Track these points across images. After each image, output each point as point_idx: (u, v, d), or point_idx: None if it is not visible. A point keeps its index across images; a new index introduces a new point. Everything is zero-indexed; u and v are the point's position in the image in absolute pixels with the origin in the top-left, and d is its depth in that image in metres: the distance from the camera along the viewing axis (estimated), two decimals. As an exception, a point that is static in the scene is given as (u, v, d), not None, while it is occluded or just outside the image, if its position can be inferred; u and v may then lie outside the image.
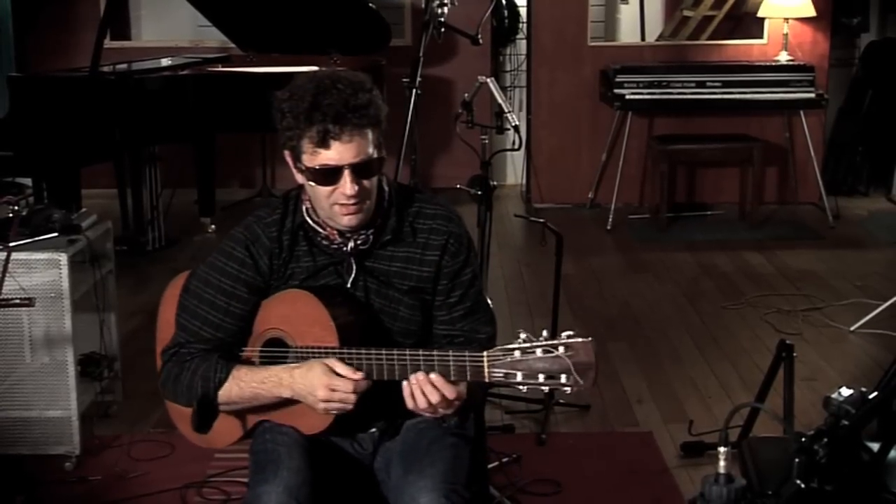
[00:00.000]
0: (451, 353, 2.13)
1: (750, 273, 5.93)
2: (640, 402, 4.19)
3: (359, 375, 2.17)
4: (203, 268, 2.34)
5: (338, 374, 2.18)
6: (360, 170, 2.19)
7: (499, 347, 2.09)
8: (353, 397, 2.17)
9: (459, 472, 2.26)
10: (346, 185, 2.18)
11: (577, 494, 3.46)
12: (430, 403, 2.13)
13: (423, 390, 2.12)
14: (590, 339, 2.04)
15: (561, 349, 2.03)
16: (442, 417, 2.21)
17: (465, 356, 2.11)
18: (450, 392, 2.12)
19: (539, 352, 2.04)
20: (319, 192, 2.22)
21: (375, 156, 2.21)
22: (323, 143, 2.16)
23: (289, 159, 2.28)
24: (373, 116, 2.18)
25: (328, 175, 2.19)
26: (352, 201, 2.20)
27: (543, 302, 5.13)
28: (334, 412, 2.21)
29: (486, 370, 2.08)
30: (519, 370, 2.05)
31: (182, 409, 2.41)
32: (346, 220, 2.23)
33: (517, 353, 2.06)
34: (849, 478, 2.03)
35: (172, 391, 2.34)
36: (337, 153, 2.17)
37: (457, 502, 2.18)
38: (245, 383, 2.27)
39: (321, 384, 2.17)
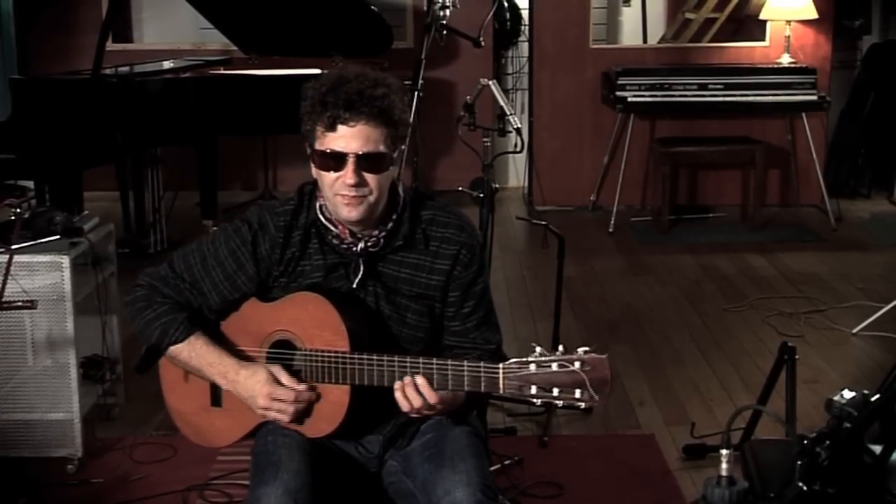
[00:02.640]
0: (465, 363, 2.15)
1: (752, 275, 5.93)
2: (641, 404, 4.18)
3: (302, 387, 2.23)
4: (219, 228, 2.41)
5: (280, 384, 2.23)
6: (365, 161, 2.21)
7: (514, 360, 2.10)
8: (291, 408, 2.23)
9: (487, 469, 2.30)
10: (348, 173, 2.21)
11: (579, 497, 3.45)
12: (412, 406, 2.17)
13: (407, 393, 2.17)
14: (605, 355, 2.06)
15: (577, 364, 2.05)
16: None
17: (479, 366, 2.13)
18: (431, 397, 2.16)
19: (555, 366, 2.06)
20: (324, 180, 2.25)
21: (383, 151, 2.23)
22: (332, 127, 2.21)
23: (307, 149, 2.31)
24: (385, 111, 2.21)
25: (332, 160, 2.22)
26: (352, 192, 2.21)
27: (545, 304, 5.13)
28: (271, 420, 2.26)
29: (501, 382, 2.10)
30: (534, 383, 2.07)
31: (181, 409, 2.43)
32: (346, 212, 2.24)
33: (533, 367, 2.07)
34: (851, 480, 2.03)
35: (131, 318, 2.38)
36: (343, 139, 2.21)
37: (490, 496, 2.22)
38: (197, 355, 2.31)
39: (262, 393, 2.23)
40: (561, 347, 2.09)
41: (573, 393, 2.04)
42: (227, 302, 2.35)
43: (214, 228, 2.46)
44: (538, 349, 2.09)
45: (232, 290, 2.34)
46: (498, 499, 2.29)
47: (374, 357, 2.19)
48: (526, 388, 2.07)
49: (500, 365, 2.10)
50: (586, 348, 2.07)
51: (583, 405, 2.05)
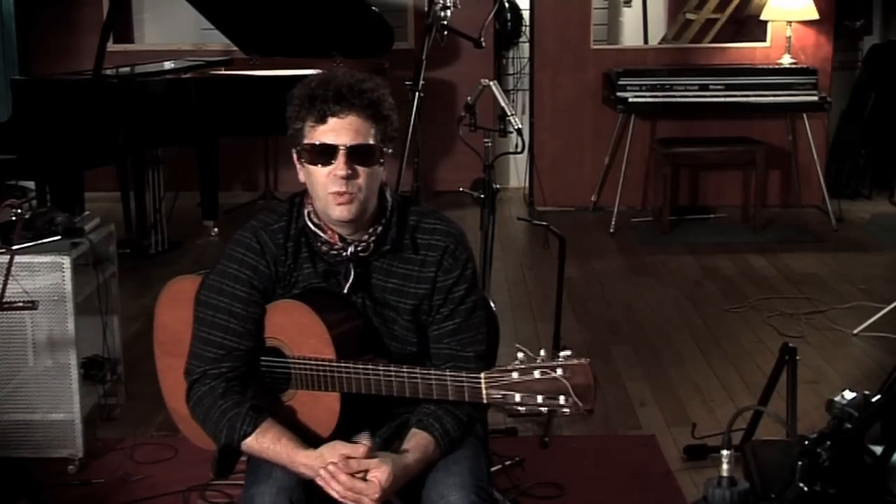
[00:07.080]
0: (447, 372, 2.15)
1: (753, 276, 5.92)
2: (643, 405, 4.18)
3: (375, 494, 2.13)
4: (215, 277, 2.32)
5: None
6: (356, 153, 2.20)
7: (496, 368, 2.09)
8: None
9: (481, 470, 2.29)
10: (339, 165, 2.19)
11: (580, 498, 3.45)
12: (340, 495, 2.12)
13: (331, 484, 2.12)
14: (587, 360, 2.04)
15: (559, 371, 2.03)
16: None
17: (462, 377, 2.12)
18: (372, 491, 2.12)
19: (537, 373, 2.04)
20: (315, 176, 2.23)
21: (373, 143, 2.22)
22: (322, 119, 2.20)
23: (294, 154, 2.29)
24: (374, 102, 2.21)
25: (323, 153, 2.21)
26: (342, 186, 2.19)
27: (546, 305, 5.13)
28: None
29: (483, 391, 2.10)
30: (517, 391, 2.06)
31: (182, 411, 2.40)
32: (339, 211, 2.22)
33: (515, 375, 2.06)
34: (852, 481, 2.03)
35: (201, 420, 2.30)
36: (333, 132, 2.20)
37: (485, 499, 2.21)
38: (263, 448, 2.23)
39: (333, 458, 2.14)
40: (542, 352, 2.07)
41: (557, 399, 2.03)
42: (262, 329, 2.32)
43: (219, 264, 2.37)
44: (520, 355, 2.08)
45: (263, 310, 2.31)
46: (493, 500, 2.28)
47: (360, 366, 2.18)
48: (509, 396, 2.06)
49: (482, 374, 2.09)
50: (567, 353, 2.05)
51: (567, 411, 2.03)
